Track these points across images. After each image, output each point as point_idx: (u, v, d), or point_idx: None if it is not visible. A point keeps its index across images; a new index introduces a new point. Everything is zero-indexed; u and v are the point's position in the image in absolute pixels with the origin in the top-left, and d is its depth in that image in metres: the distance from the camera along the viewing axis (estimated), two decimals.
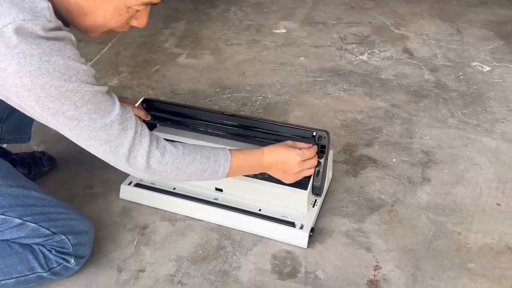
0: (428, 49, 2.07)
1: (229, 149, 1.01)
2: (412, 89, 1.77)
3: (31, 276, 0.99)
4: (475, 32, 2.21)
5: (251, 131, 1.17)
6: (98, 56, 2.08)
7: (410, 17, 2.40)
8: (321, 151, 1.12)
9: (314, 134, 1.12)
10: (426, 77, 1.84)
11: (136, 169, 0.91)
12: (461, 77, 1.84)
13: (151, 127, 1.30)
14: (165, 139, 0.96)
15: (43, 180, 1.34)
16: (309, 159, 1.07)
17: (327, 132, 1.11)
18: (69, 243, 0.99)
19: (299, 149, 1.06)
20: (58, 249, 0.99)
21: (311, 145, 1.09)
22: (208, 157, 0.97)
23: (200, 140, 1.23)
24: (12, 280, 0.99)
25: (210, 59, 2.05)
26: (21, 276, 0.99)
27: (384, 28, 2.28)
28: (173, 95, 1.79)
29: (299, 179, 1.09)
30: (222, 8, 2.58)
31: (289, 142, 1.08)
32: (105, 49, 2.15)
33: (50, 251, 0.99)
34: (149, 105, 1.27)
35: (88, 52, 2.12)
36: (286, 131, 1.14)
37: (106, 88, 0.87)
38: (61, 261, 1.00)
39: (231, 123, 1.20)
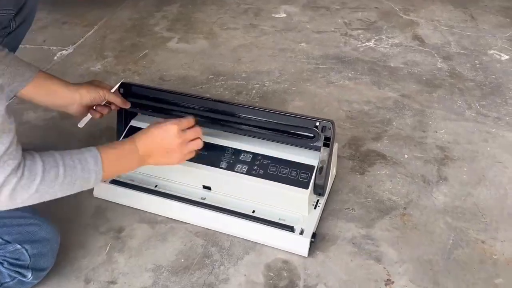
0: (440, 36, 1.90)
1: (97, 148, 0.83)
2: (424, 78, 1.61)
3: None
4: (490, 19, 2.05)
5: (246, 120, 1.02)
6: (82, 39, 1.92)
7: (419, 2, 2.23)
8: (325, 144, 0.96)
9: (317, 124, 0.96)
10: (439, 66, 1.68)
11: None
12: (477, 66, 1.68)
13: (130, 116, 1.14)
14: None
15: None
16: (189, 128, 0.94)
17: (332, 122, 0.95)
18: (26, 253, 0.83)
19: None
20: (11, 261, 0.83)
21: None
22: (73, 166, 0.78)
23: None
24: None
25: (203, 43, 1.88)
26: None
27: (392, 14, 2.11)
28: (161, 81, 1.62)
29: (189, 155, 0.96)
30: None
31: (159, 120, 0.95)
32: (90, 32, 1.98)
33: (1, 263, 0.83)
34: (127, 90, 1.11)
35: (72, 34, 1.96)
36: (285, 120, 0.99)
37: None
38: (15, 275, 0.84)
39: (224, 111, 1.04)
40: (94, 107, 1.05)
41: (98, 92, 1.02)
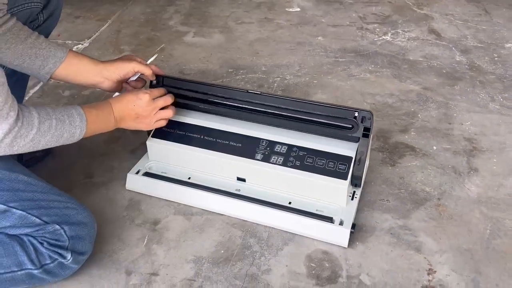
0: (456, 29, 1.91)
1: (81, 107, 0.90)
2: (444, 71, 1.61)
3: (19, 273, 0.84)
4: (504, 13, 2.05)
5: (283, 111, 1.02)
6: (97, 34, 1.90)
7: None
8: (364, 134, 0.96)
9: (356, 114, 0.96)
10: (457, 59, 1.69)
11: None
12: (496, 59, 1.68)
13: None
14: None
15: (37, 168, 1.17)
16: (159, 97, 1.01)
17: (371, 112, 0.95)
18: (64, 235, 0.84)
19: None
20: (51, 241, 0.84)
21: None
22: (63, 120, 0.85)
23: (223, 124, 1.07)
24: None
25: (219, 38, 1.87)
26: (7, 273, 0.84)
27: (405, 8, 2.12)
28: (181, 75, 1.61)
29: (158, 123, 1.03)
30: None
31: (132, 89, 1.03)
32: (104, 26, 1.96)
33: (41, 243, 0.83)
34: (159, 82, 1.10)
35: (86, 29, 1.94)
36: (323, 111, 0.98)
37: None
38: (55, 256, 0.84)
39: (260, 103, 1.04)
40: (128, 81, 1.05)
41: (126, 67, 1.02)
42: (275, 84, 1.55)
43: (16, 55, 0.93)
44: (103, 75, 1.00)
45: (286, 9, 2.13)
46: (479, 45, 1.78)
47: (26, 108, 0.80)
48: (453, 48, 1.76)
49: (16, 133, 0.77)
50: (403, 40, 1.83)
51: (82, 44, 1.82)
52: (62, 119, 0.85)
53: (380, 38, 1.84)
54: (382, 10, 2.10)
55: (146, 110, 0.98)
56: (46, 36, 1.18)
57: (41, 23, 1.10)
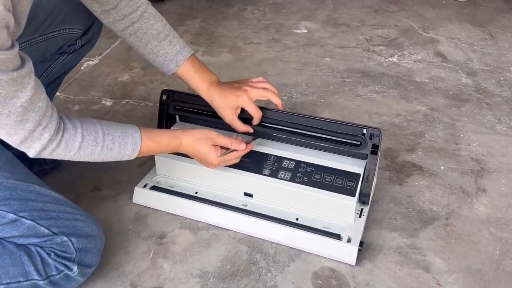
0: (462, 53, 1.92)
1: (141, 134, 0.87)
2: (450, 92, 1.62)
3: (25, 283, 0.83)
4: (510, 38, 2.07)
5: (292, 127, 1.03)
6: (107, 51, 1.93)
7: (437, 21, 2.27)
8: (373, 151, 0.96)
9: (365, 131, 0.96)
10: (464, 81, 1.70)
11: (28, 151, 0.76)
12: (502, 81, 1.69)
13: (170, 123, 1.14)
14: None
15: (45, 180, 1.16)
16: (228, 153, 0.98)
17: (380, 130, 0.96)
18: (72, 246, 0.84)
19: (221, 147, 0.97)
20: (59, 253, 0.83)
21: (237, 140, 0.98)
22: (111, 148, 0.83)
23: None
24: (2, 286, 0.83)
25: (228, 57, 1.90)
26: (13, 283, 0.83)
27: (411, 31, 2.14)
28: (190, 92, 1.63)
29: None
30: (238, 7, 2.44)
31: (213, 134, 0.95)
32: (115, 44, 2.00)
33: (49, 254, 0.83)
34: (169, 98, 1.11)
35: (97, 46, 1.94)
36: (332, 127, 0.99)
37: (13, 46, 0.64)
38: (62, 268, 0.84)
39: (268, 118, 1.05)
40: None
41: (232, 101, 1.00)
42: (282, 103, 1.56)
43: (140, 53, 1.01)
44: (211, 99, 1.02)
45: (294, 30, 2.16)
46: (485, 68, 1.79)
47: (72, 126, 0.78)
48: (459, 70, 1.78)
49: (51, 152, 0.76)
50: (410, 62, 1.85)
51: (92, 61, 1.85)
52: (110, 147, 0.83)
53: (387, 60, 1.86)
54: (388, 33, 2.12)
55: (212, 164, 0.97)
56: (78, 61, 1.20)
57: (78, 48, 1.13)
